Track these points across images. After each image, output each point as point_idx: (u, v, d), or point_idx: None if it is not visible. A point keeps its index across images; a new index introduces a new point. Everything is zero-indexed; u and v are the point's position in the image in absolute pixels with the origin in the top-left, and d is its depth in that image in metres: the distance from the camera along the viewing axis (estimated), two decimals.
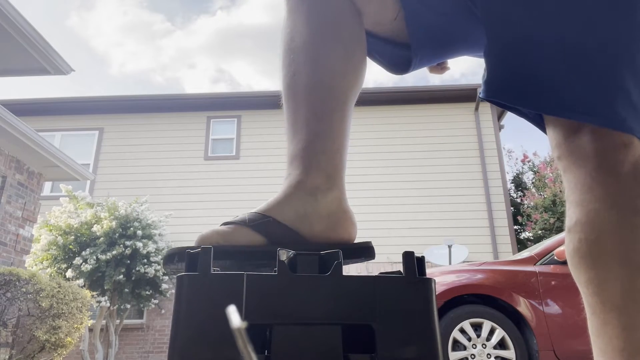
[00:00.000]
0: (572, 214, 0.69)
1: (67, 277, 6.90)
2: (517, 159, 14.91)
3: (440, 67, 1.06)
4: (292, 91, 0.79)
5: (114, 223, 7.22)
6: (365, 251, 0.73)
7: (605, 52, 0.66)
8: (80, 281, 6.87)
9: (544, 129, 0.76)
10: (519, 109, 0.75)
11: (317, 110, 0.77)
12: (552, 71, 0.68)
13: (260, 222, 0.71)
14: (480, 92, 0.75)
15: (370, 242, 0.74)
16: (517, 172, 14.83)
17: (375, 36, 0.87)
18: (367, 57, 0.85)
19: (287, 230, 0.71)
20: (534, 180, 13.54)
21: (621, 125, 0.65)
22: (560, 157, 0.71)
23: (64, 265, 7.17)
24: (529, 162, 14.23)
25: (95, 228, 7.15)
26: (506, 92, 0.71)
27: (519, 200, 13.92)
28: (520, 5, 0.69)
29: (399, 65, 0.89)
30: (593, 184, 0.66)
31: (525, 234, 13.31)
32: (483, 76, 0.74)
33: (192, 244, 0.68)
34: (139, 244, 7.19)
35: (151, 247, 7.34)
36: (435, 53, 0.89)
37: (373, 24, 0.84)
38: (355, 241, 0.76)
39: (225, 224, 0.73)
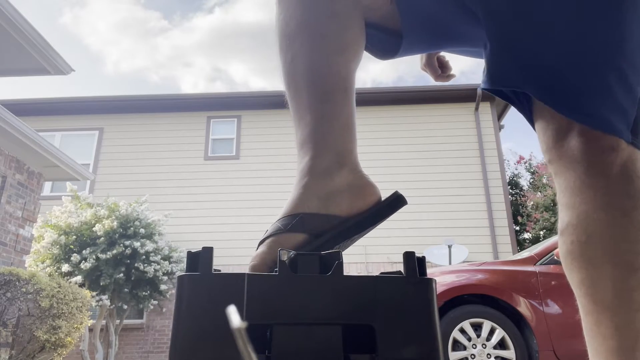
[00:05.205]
0: (563, 217, 0.70)
1: (63, 271, 6.90)
2: (507, 160, 15.02)
3: (446, 75, 1.05)
4: (292, 77, 0.77)
5: (115, 223, 7.22)
6: (398, 200, 0.75)
7: (597, 53, 0.67)
8: (79, 278, 6.86)
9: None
10: (515, 101, 0.76)
11: (318, 92, 0.75)
12: (549, 65, 0.69)
13: (295, 222, 0.70)
14: (481, 84, 0.75)
15: (397, 191, 0.76)
16: (512, 174, 14.88)
17: (365, 22, 0.86)
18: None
19: (320, 218, 0.71)
20: (532, 181, 13.57)
21: (608, 126, 0.66)
22: (550, 161, 0.72)
23: (63, 265, 7.18)
24: (525, 163, 14.28)
25: (97, 227, 7.15)
26: (504, 78, 0.72)
27: (514, 199, 13.96)
28: (520, 3, 0.70)
29: (386, 51, 0.88)
30: (583, 187, 0.67)
31: (526, 235, 13.33)
32: (483, 70, 0.75)
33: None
34: (137, 244, 7.19)
35: (150, 246, 7.33)
36: (424, 40, 0.88)
37: (365, 9, 0.83)
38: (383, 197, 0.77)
39: (261, 242, 0.71)
